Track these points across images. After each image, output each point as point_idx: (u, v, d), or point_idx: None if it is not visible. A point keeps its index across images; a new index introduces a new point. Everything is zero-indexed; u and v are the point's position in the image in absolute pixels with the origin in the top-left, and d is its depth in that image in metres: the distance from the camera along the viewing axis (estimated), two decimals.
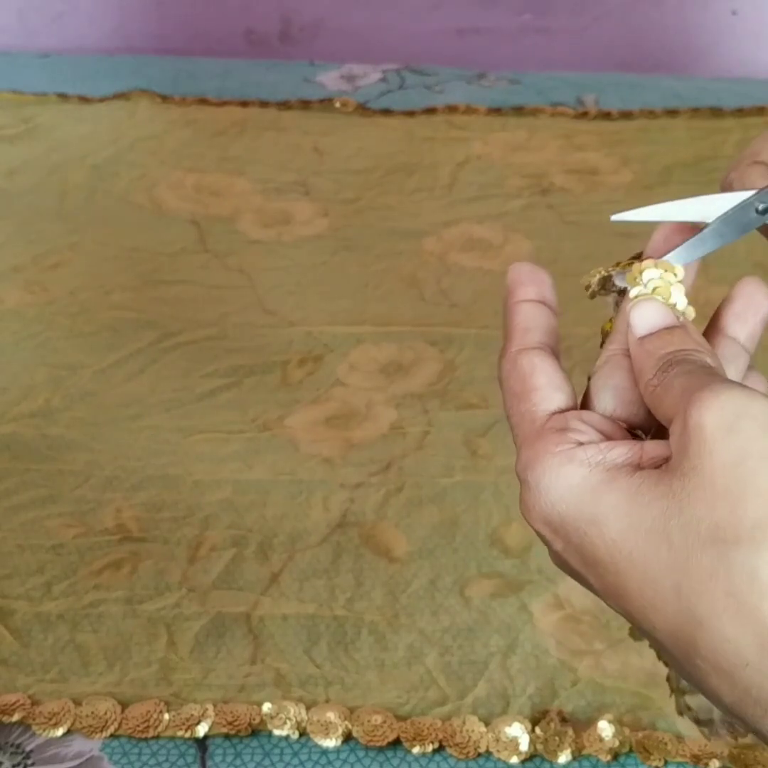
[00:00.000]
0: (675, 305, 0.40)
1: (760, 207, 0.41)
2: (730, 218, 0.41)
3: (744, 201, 0.41)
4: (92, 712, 0.71)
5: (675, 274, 0.40)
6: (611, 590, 0.36)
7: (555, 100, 1.39)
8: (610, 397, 0.40)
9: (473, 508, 0.85)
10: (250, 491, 0.86)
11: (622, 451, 0.37)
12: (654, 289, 0.40)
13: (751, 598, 0.33)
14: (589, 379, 0.42)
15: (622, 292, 0.42)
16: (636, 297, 0.41)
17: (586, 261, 1.13)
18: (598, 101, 1.39)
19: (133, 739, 0.70)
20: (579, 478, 0.36)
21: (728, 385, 0.35)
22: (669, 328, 0.39)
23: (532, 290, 0.43)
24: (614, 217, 0.43)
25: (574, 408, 0.40)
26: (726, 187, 0.45)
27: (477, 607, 0.77)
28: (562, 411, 0.39)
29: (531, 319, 0.42)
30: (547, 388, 0.40)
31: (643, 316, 0.40)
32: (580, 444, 0.37)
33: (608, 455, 0.36)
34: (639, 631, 0.36)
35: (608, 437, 0.38)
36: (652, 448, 0.37)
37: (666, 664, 0.46)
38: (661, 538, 0.34)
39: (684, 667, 0.35)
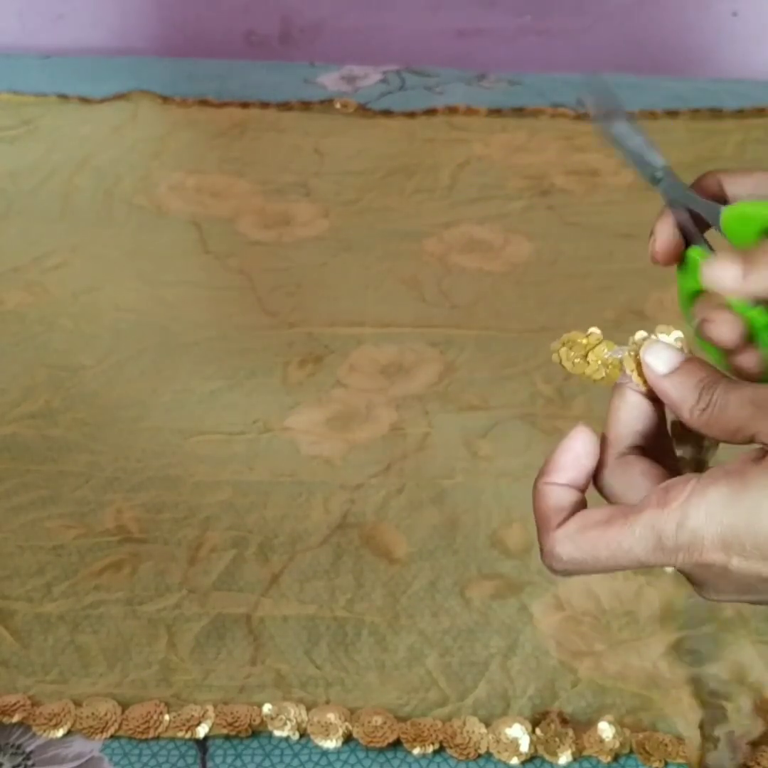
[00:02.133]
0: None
1: (658, 174, 0.49)
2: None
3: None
4: (92, 713, 0.71)
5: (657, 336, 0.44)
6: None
7: (555, 101, 1.39)
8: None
9: (474, 509, 0.85)
10: (250, 492, 0.86)
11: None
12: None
13: None
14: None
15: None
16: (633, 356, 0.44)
17: (586, 262, 1.13)
18: None
19: (133, 740, 0.70)
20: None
21: None
22: (688, 360, 0.43)
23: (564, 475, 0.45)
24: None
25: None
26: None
27: (477, 608, 0.77)
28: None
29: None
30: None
31: (660, 357, 0.43)
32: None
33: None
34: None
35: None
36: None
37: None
38: None
39: None
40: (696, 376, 0.43)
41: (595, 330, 0.46)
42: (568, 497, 0.45)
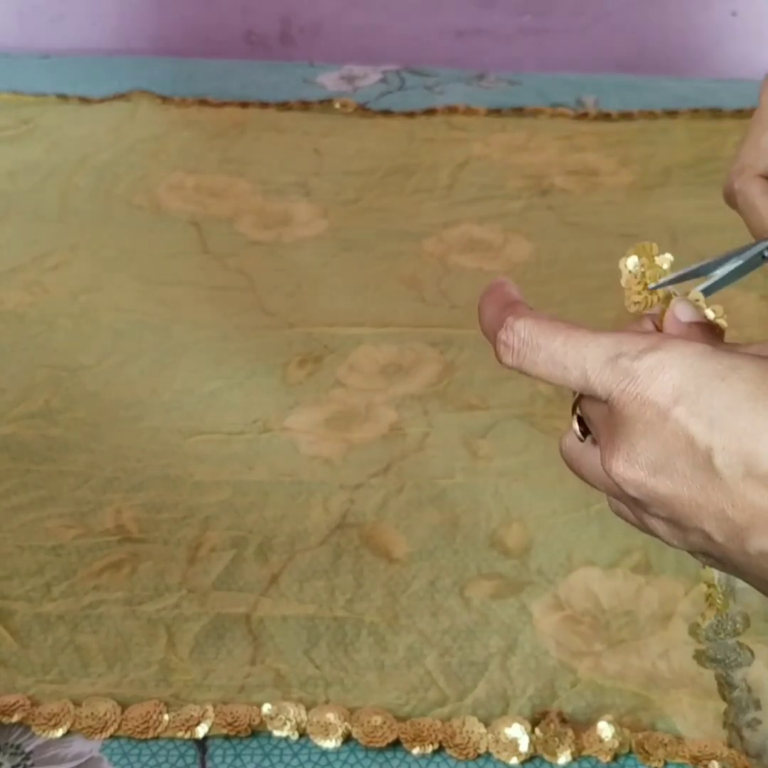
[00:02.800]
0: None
1: (767, 253, 0.46)
2: (741, 267, 0.46)
3: (753, 252, 0.46)
4: (92, 713, 0.71)
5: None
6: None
7: (555, 101, 1.39)
8: None
9: (473, 509, 0.85)
10: (250, 492, 0.86)
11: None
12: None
13: None
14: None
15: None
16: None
17: (586, 262, 1.13)
18: (598, 102, 1.39)
19: (132, 739, 0.70)
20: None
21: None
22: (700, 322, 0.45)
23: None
24: (652, 287, 0.47)
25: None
26: (729, 198, 0.49)
27: (477, 608, 0.77)
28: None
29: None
30: None
31: (686, 311, 0.45)
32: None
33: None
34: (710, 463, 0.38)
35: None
36: None
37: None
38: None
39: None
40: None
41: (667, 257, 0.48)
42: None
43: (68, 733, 0.70)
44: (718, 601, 0.50)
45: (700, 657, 0.69)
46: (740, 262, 0.46)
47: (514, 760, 0.69)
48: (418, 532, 0.83)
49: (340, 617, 0.77)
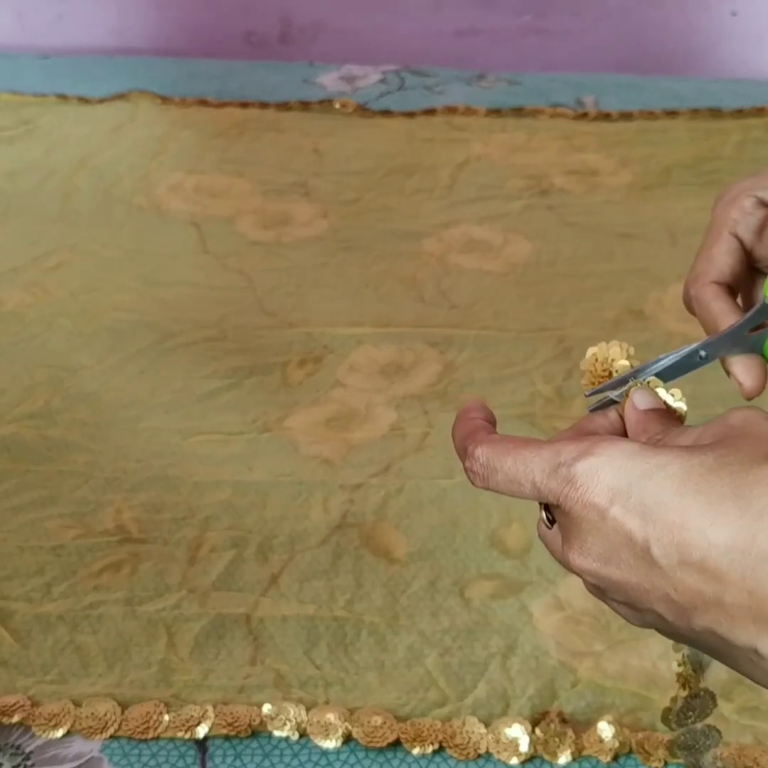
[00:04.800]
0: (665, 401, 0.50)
1: (703, 354, 0.51)
2: (678, 364, 0.51)
3: (689, 351, 0.51)
4: (92, 714, 0.71)
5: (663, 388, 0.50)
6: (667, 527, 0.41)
7: (555, 101, 1.39)
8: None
9: (473, 509, 0.85)
10: (250, 492, 0.86)
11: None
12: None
13: None
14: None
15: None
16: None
17: (586, 262, 1.13)
18: (597, 102, 1.39)
19: (132, 740, 0.70)
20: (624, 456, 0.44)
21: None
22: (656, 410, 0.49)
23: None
24: (588, 393, 0.51)
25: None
26: (687, 304, 0.54)
27: (477, 609, 0.77)
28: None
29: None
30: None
31: (644, 398, 0.49)
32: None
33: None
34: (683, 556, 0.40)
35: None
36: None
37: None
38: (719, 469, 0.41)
39: (745, 578, 0.39)
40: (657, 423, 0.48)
41: (624, 362, 0.51)
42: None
43: (68, 733, 0.70)
44: (690, 678, 0.51)
45: (671, 747, 0.69)
46: (678, 358, 0.50)
47: (514, 761, 0.69)
48: (418, 532, 0.83)
49: (340, 617, 0.77)
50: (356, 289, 1.09)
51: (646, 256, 1.12)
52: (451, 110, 1.38)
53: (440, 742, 0.70)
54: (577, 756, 0.69)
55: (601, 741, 0.69)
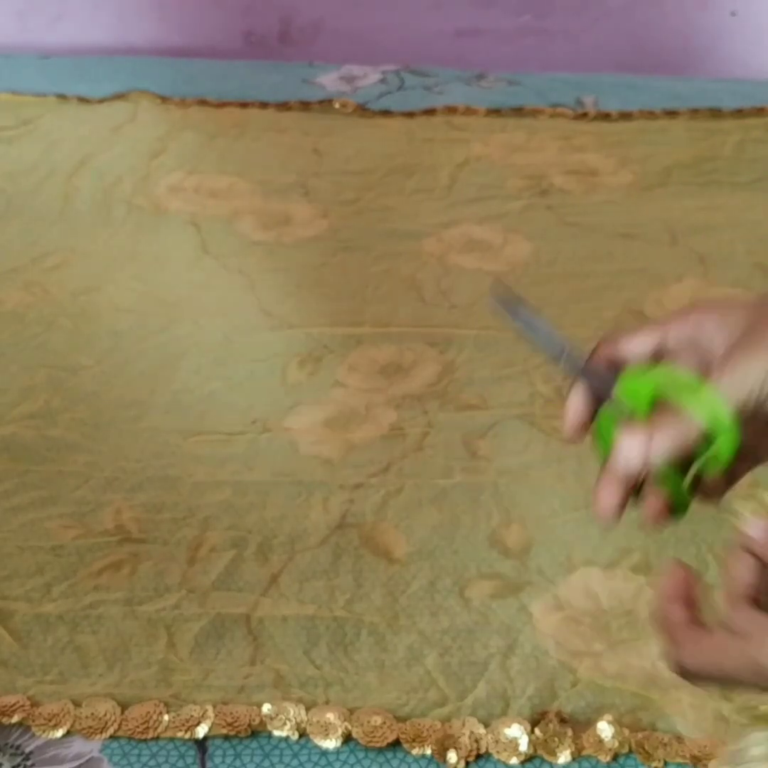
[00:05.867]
0: None
1: (566, 354, 0.53)
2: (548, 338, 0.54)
3: (560, 341, 0.53)
4: (92, 714, 0.71)
5: None
6: None
7: (554, 101, 1.39)
8: None
9: (473, 509, 0.85)
10: (249, 492, 0.86)
11: None
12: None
13: None
14: None
15: None
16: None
17: (585, 262, 1.13)
18: (597, 102, 1.39)
19: (132, 740, 0.70)
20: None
21: None
22: None
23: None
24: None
25: None
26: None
27: (477, 608, 0.77)
28: None
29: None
30: None
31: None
32: None
33: None
34: None
35: None
36: None
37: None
38: None
39: None
40: None
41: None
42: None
43: (68, 733, 0.70)
44: None
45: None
46: (550, 336, 0.53)
47: (513, 761, 0.69)
48: (417, 532, 0.83)
49: (340, 617, 0.77)
50: (356, 289, 1.09)
51: (646, 256, 1.12)
52: (451, 110, 1.38)
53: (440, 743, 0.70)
54: (577, 756, 0.69)
55: (601, 741, 0.69)
